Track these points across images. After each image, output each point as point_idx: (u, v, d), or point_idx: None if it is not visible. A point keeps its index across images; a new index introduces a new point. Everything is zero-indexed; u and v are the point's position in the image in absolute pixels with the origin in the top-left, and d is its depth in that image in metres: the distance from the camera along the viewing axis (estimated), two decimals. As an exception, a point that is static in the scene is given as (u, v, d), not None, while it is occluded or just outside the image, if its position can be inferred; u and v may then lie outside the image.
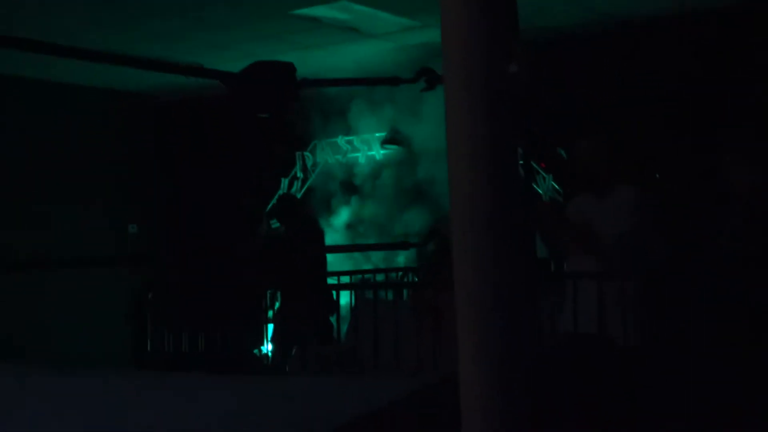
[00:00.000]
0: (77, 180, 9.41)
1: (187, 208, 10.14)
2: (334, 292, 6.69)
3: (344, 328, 6.84)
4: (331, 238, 9.06)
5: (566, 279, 4.85)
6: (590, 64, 7.93)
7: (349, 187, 9.81)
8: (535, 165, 8.11)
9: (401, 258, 9.22)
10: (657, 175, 4.93)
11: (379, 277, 8.19)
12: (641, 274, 4.58)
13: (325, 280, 7.45)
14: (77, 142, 9.11)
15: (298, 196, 9.99)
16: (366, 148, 9.78)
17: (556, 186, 8.27)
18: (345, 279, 7.84)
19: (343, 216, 9.70)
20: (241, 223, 7.81)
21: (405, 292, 7.53)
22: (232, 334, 6.71)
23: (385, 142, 9.59)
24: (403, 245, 6.63)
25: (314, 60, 8.50)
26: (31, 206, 8.99)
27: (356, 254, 9.28)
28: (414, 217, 9.05)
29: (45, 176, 9.12)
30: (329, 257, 7.69)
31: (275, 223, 9.24)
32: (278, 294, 7.13)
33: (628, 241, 4.51)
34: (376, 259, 9.33)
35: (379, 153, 9.71)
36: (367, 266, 8.94)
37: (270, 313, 7.20)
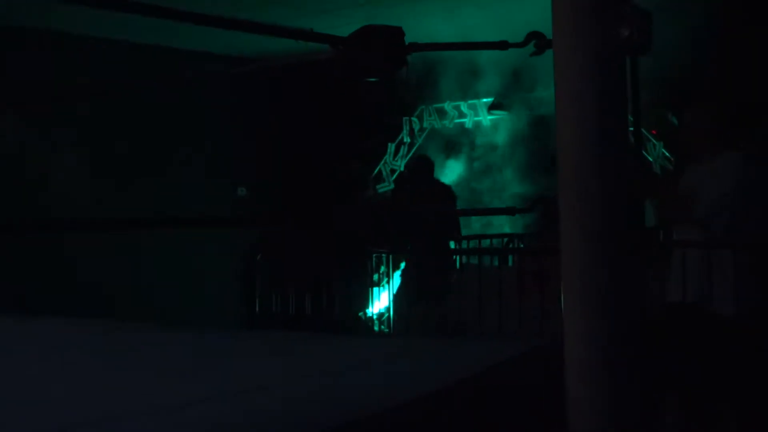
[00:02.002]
0: (191, 143, 9.64)
1: (295, 172, 10.29)
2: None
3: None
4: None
5: (675, 248, 4.77)
6: (700, 28, 7.68)
7: (455, 153, 9.79)
8: (645, 132, 7.94)
9: (506, 224, 9.19)
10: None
11: (484, 243, 8.18)
12: (751, 243, 4.47)
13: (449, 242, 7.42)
14: (191, 106, 9.31)
15: (404, 161, 10.02)
16: (473, 113, 9.72)
17: (667, 153, 8.09)
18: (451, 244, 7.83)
19: (448, 181, 9.69)
20: (348, 187, 7.88)
21: (510, 258, 7.51)
22: (338, 296, 6.81)
23: (492, 107, 9.52)
24: (509, 210, 6.59)
25: (423, 25, 8.47)
26: (146, 167, 9.25)
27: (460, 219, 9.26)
28: (520, 182, 8.99)
29: (162, 139, 9.38)
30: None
31: (381, 188, 9.31)
32: (383, 257, 7.18)
33: (728, 208, 4.39)
34: (479, 225, 9.31)
35: (486, 119, 9.64)
36: (471, 232, 8.93)
37: (375, 277, 7.26)
